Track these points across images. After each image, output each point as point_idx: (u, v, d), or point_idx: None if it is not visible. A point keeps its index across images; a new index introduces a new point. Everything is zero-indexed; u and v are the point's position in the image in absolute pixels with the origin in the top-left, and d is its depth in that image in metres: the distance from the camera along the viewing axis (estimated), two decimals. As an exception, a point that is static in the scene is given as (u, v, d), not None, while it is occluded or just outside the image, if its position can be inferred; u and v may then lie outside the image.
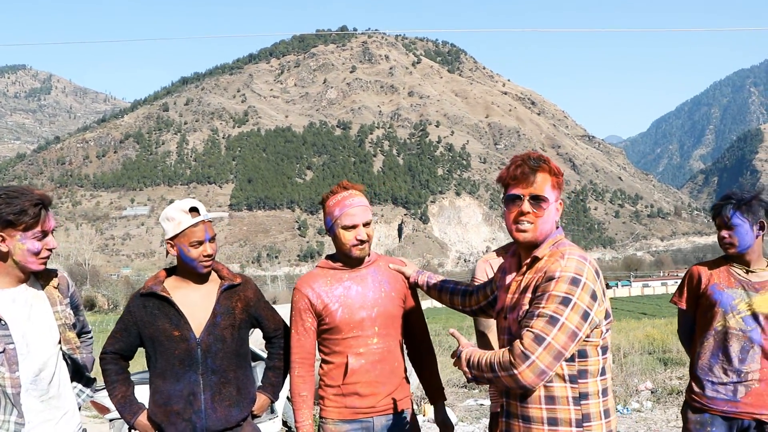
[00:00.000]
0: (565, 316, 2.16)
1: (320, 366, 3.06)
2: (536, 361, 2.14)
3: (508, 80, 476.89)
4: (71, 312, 2.93)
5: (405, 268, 3.18)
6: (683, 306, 3.49)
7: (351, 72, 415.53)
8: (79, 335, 3.05)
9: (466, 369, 2.37)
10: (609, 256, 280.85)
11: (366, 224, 2.98)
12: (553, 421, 2.27)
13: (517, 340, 2.20)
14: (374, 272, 3.07)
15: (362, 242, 2.96)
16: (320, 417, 3.03)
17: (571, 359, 2.26)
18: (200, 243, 2.92)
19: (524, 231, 2.38)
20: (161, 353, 2.96)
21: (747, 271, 3.27)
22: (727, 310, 3.23)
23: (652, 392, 9.32)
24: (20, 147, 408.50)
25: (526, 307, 2.31)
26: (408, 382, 3.13)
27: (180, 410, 2.93)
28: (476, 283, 3.10)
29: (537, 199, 2.37)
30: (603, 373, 2.32)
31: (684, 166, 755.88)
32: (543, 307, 2.20)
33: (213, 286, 3.06)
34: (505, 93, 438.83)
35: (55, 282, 2.88)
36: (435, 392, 3.19)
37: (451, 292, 3.09)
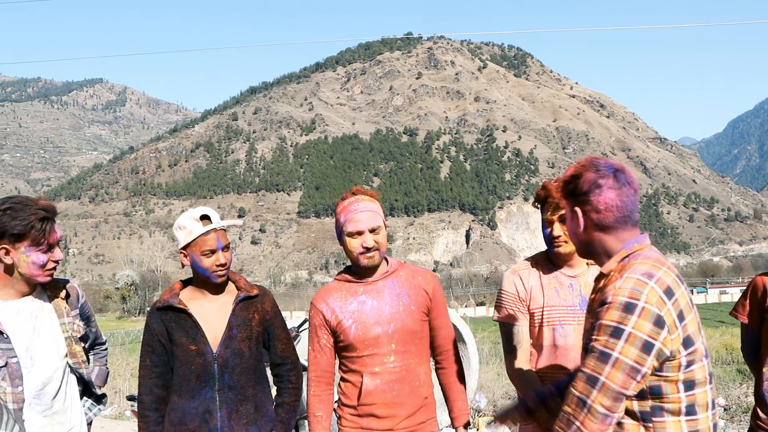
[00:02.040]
0: (618, 350, 1.87)
1: (339, 384, 2.94)
2: (594, 406, 1.88)
3: (576, 83, 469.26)
4: (81, 324, 2.87)
5: (507, 421, 2.77)
6: (745, 320, 3.27)
7: (417, 78, 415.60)
8: (92, 347, 3.00)
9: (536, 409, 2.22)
10: (683, 261, 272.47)
11: (373, 230, 2.80)
12: None
13: (570, 386, 1.98)
14: (392, 284, 2.87)
15: (369, 249, 2.79)
16: None
17: (642, 395, 1.96)
18: (212, 252, 2.82)
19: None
20: (177, 368, 2.85)
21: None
22: None
23: (725, 409, 8.51)
24: (97, 157, 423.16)
25: (587, 333, 2.08)
26: (434, 402, 2.94)
27: (195, 429, 2.80)
28: (503, 297, 2.92)
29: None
30: (691, 412, 1.95)
31: (764, 168, 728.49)
32: (595, 340, 1.94)
33: (229, 297, 2.96)
34: (573, 96, 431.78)
35: (63, 293, 2.82)
36: (458, 415, 2.97)
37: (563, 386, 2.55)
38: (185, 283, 3.00)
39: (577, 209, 2.14)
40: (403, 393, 2.78)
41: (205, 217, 2.84)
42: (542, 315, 2.82)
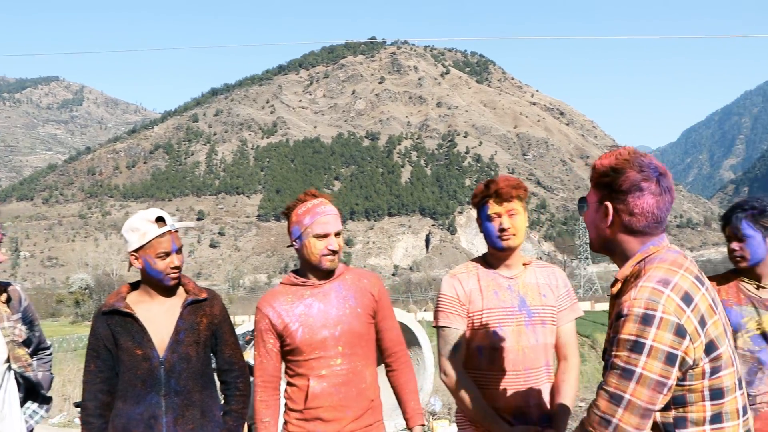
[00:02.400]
0: (641, 365, 1.74)
1: (285, 389, 2.91)
2: (620, 425, 1.76)
3: (537, 90, 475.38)
4: (23, 328, 2.79)
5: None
6: None
7: (380, 83, 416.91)
8: (36, 352, 2.91)
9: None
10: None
11: (337, 234, 2.83)
12: None
13: (592, 404, 1.84)
14: (339, 287, 2.87)
15: (334, 252, 2.80)
16: None
17: (665, 406, 1.84)
18: (167, 254, 2.78)
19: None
20: (123, 373, 2.78)
21: (758, 287, 2.98)
22: (736, 329, 2.93)
23: None
24: (52, 157, 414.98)
25: (607, 344, 1.94)
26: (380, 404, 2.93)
27: None
28: (442, 301, 2.89)
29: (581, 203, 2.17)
30: (717, 420, 1.83)
31: (714, 176, 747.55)
32: (615, 356, 1.80)
33: (178, 300, 2.91)
34: (534, 103, 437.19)
35: (4, 297, 2.73)
36: (412, 415, 2.94)
37: None
38: (133, 286, 2.94)
39: (609, 204, 1.97)
40: (350, 396, 2.77)
41: (159, 219, 2.80)
42: (481, 318, 2.81)
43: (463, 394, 2.76)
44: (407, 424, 2.96)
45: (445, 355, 2.85)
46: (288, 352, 2.83)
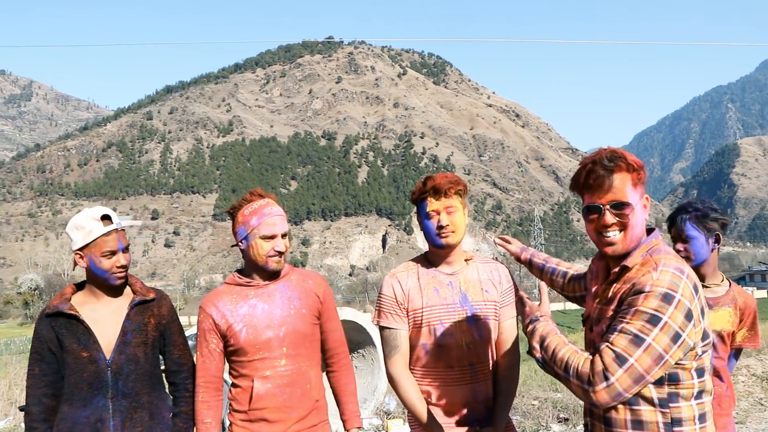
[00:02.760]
0: (652, 336, 1.91)
1: (229, 390, 2.90)
2: (615, 384, 1.92)
3: (493, 92, 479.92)
4: None
5: (510, 246, 3.06)
6: None
7: (337, 83, 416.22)
8: None
9: (536, 346, 2.15)
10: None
11: (284, 235, 2.83)
12: None
13: (598, 356, 1.98)
14: (284, 288, 2.88)
15: (280, 254, 2.81)
16: None
17: (660, 382, 2.03)
18: (113, 253, 2.74)
19: (612, 243, 2.14)
20: (68, 376, 2.73)
21: (702, 286, 2.91)
22: None
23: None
24: None
25: (608, 320, 2.10)
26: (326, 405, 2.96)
27: None
28: (382, 301, 2.89)
29: (619, 207, 2.10)
30: (700, 396, 2.06)
31: (665, 179, 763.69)
32: (628, 323, 1.96)
33: (125, 301, 2.87)
34: (490, 105, 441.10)
35: None
36: (349, 417, 2.97)
37: (552, 272, 2.97)
38: (79, 287, 2.89)
39: (647, 198, 2.16)
40: (294, 397, 2.78)
41: (105, 217, 2.76)
42: (422, 315, 2.81)
43: (404, 395, 2.79)
44: (344, 426, 2.97)
45: (387, 356, 2.87)
46: (232, 353, 2.82)
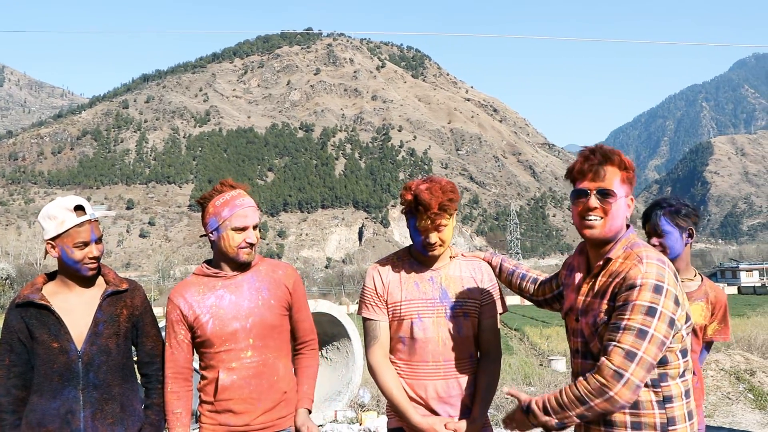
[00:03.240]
0: (653, 327, 2.09)
1: (199, 381, 2.91)
2: (631, 378, 2.08)
3: (471, 87, 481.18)
4: None
5: (476, 254, 3.06)
6: None
7: (315, 74, 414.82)
8: None
9: (546, 418, 2.22)
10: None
11: (255, 227, 2.83)
12: (637, 425, 2.20)
13: (605, 360, 2.12)
14: (252, 279, 2.87)
15: (251, 245, 2.81)
16: None
17: None
18: (86, 244, 2.71)
19: (591, 227, 2.30)
20: (39, 367, 2.70)
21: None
22: None
23: None
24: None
25: (603, 314, 2.22)
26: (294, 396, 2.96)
27: (55, 430, 2.67)
28: (364, 293, 2.96)
29: (604, 194, 2.28)
30: (684, 374, 2.25)
31: (640, 176, 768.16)
32: (629, 319, 2.11)
33: (97, 291, 2.84)
34: (468, 99, 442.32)
35: None
36: (301, 398, 2.97)
37: (522, 278, 2.98)
38: (50, 277, 2.86)
39: (632, 199, 2.36)
40: (261, 388, 2.78)
41: (78, 208, 2.73)
42: (401, 309, 2.83)
43: (382, 384, 2.82)
44: (297, 404, 2.98)
45: (367, 345, 2.91)
46: (199, 344, 2.82)
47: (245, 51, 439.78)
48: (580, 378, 2.18)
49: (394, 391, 2.80)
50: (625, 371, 2.07)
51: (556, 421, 2.21)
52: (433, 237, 2.73)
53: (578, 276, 2.44)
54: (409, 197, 2.76)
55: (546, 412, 2.22)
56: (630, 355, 2.08)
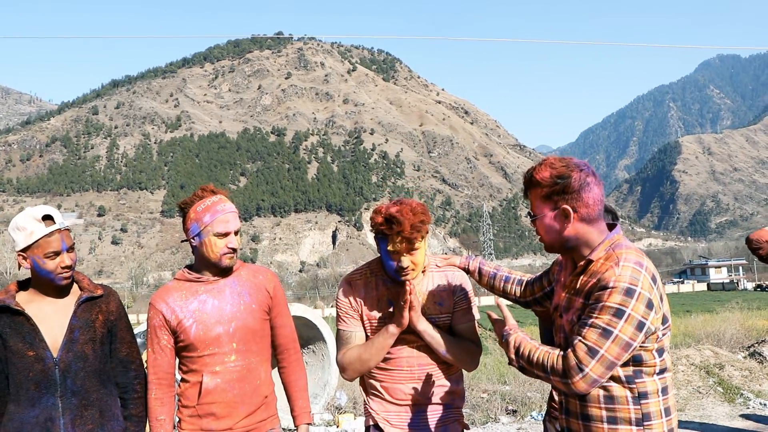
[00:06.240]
0: (618, 328, 2.15)
1: (178, 386, 2.88)
2: (589, 373, 2.17)
3: (442, 89, 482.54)
4: None
5: (452, 259, 3.05)
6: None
7: (286, 78, 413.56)
8: None
9: (513, 356, 2.38)
10: (539, 262, 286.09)
11: (236, 232, 2.83)
12: (612, 420, 2.27)
13: (570, 351, 2.22)
14: (234, 283, 2.88)
15: (234, 251, 2.81)
16: None
17: (626, 363, 2.26)
18: (57, 254, 2.68)
19: (541, 241, 2.45)
20: (14, 376, 2.66)
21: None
22: None
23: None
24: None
25: (579, 310, 2.31)
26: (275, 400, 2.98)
27: None
28: (339, 306, 2.96)
29: (532, 217, 2.42)
30: (662, 372, 2.31)
31: (610, 176, 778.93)
32: (596, 318, 2.19)
33: (72, 298, 2.81)
34: (439, 102, 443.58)
35: None
36: (299, 414, 3.00)
37: (505, 281, 2.99)
38: (22, 284, 2.82)
39: (568, 207, 2.33)
40: (244, 392, 2.79)
41: (47, 217, 2.69)
42: (375, 323, 2.88)
43: (352, 358, 2.86)
44: (294, 422, 3.00)
45: (338, 351, 2.94)
46: (182, 349, 2.81)
47: (216, 56, 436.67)
48: (554, 352, 2.28)
49: (365, 346, 2.86)
50: (585, 366, 2.17)
51: (519, 364, 2.37)
52: (405, 261, 2.72)
53: (564, 274, 2.53)
54: (380, 220, 2.75)
55: (516, 353, 2.36)
56: (592, 352, 2.16)
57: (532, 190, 2.41)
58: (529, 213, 2.45)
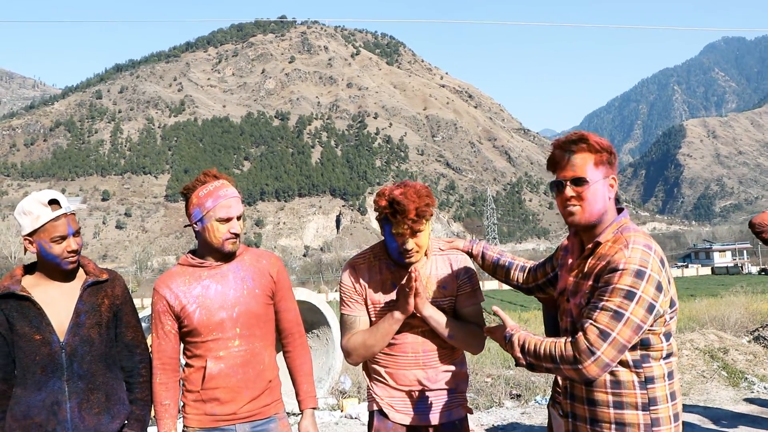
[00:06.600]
0: (630, 310, 2.14)
1: (183, 371, 2.89)
2: (601, 356, 2.14)
3: (446, 73, 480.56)
4: None
5: (456, 242, 3.05)
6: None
7: (290, 62, 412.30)
8: None
9: (520, 355, 2.33)
10: (543, 246, 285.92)
11: (239, 217, 2.83)
12: (618, 405, 2.26)
13: (581, 335, 2.18)
14: (237, 268, 2.87)
15: (236, 236, 2.81)
16: (184, 426, 2.84)
17: (633, 347, 2.24)
18: (63, 238, 2.67)
19: (573, 213, 2.35)
20: (21, 359, 2.67)
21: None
22: None
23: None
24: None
25: (588, 294, 2.28)
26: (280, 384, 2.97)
27: (42, 422, 2.64)
28: (342, 290, 2.97)
29: (577, 182, 2.31)
30: (668, 357, 2.30)
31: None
32: (607, 300, 2.17)
33: (77, 282, 2.81)
34: (443, 86, 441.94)
35: None
36: (304, 398, 2.98)
37: (508, 267, 2.98)
38: (28, 268, 2.83)
39: (614, 178, 2.37)
40: (248, 377, 2.79)
41: (53, 202, 2.69)
42: (379, 307, 2.88)
43: (358, 343, 2.88)
44: (299, 406, 3.00)
45: (343, 336, 2.96)
46: (186, 334, 2.82)
47: (219, 40, 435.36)
48: (560, 341, 2.25)
49: (369, 332, 2.87)
50: (597, 349, 2.14)
51: (527, 362, 2.31)
52: (410, 243, 2.73)
53: (571, 257, 2.51)
54: (384, 203, 2.75)
55: (522, 351, 2.31)
56: (604, 335, 2.14)
57: (582, 154, 2.33)
58: (575, 179, 2.32)
